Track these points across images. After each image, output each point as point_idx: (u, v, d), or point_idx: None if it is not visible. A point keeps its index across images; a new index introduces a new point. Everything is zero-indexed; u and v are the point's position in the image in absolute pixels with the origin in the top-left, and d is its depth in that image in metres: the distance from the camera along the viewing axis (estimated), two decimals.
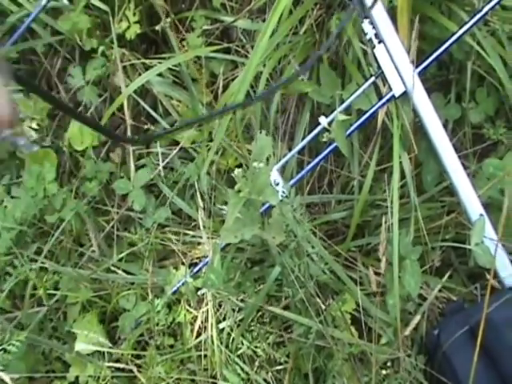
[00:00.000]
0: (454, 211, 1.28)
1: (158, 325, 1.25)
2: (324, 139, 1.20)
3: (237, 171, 1.02)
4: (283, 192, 1.17)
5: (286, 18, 1.28)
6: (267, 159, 1.09)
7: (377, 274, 1.21)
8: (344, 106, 1.20)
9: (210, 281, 1.12)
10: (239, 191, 1.05)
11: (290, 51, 1.35)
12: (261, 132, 1.09)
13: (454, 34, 1.16)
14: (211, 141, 1.30)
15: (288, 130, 1.40)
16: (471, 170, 1.32)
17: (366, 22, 1.19)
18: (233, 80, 1.38)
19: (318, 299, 1.14)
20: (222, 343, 1.23)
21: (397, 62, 1.17)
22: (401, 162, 1.22)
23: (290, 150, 1.35)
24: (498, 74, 1.24)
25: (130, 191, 1.37)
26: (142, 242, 1.33)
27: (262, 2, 1.38)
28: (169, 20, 1.41)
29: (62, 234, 1.30)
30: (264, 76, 1.30)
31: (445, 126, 1.35)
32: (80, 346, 1.22)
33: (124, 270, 1.33)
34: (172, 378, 1.22)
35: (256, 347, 1.25)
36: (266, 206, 1.18)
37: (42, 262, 1.26)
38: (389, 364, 1.18)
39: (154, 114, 1.43)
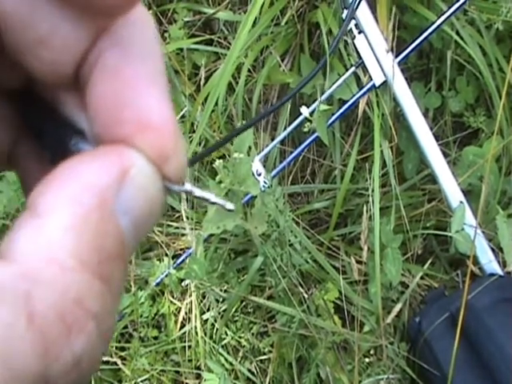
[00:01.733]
0: (435, 199, 1.29)
1: (141, 316, 1.25)
2: (306, 129, 1.20)
3: (218, 162, 1.02)
4: (265, 182, 1.17)
5: (267, 8, 1.28)
6: (248, 150, 1.09)
7: (359, 262, 1.22)
8: (325, 96, 1.20)
9: (193, 272, 1.13)
10: (220, 182, 1.05)
11: (272, 42, 1.35)
12: (242, 123, 1.10)
13: (432, 23, 1.16)
14: (194, 132, 1.30)
15: (270, 120, 1.40)
16: (452, 158, 1.33)
17: (345, 12, 1.19)
18: (215, 71, 1.38)
19: (300, 288, 1.15)
20: (205, 334, 1.23)
21: (377, 51, 1.18)
22: (382, 151, 1.23)
23: (272, 140, 1.35)
24: (477, 63, 1.25)
25: None
26: None
27: None
28: (151, 12, 1.41)
29: None
30: (245, 67, 1.30)
31: (425, 114, 1.36)
32: None
33: None
34: (156, 369, 1.23)
35: (240, 337, 1.26)
36: (249, 196, 1.18)
37: None
38: (372, 352, 1.19)
39: None
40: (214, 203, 0.25)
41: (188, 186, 0.23)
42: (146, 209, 0.21)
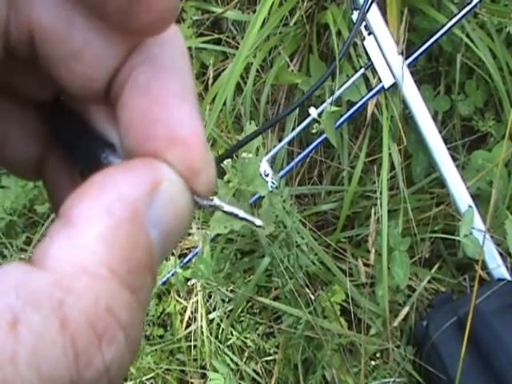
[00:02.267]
0: (443, 202, 1.28)
1: (147, 315, 1.25)
2: (314, 130, 1.20)
3: (226, 162, 1.02)
4: (273, 183, 1.17)
5: (276, 9, 1.27)
6: (256, 150, 1.09)
7: (366, 265, 1.22)
8: (334, 97, 1.20)
9: (199, 271, 1.12)
10: (228, 181, 1.05)
11: (281, 42, 1.35)
12: (250, 123, 1.09)
13: (443, 26, 1.16)
14: None
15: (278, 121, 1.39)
16: (460, 162, 1.33)
17: (355, 13, 1.19)
18: (223, 71, 1.38)
19: (307, 290, 1.14)
20: (211, 334, 1.23)
21: (386, 53, 1.17)
22: (390, 154, 1.22)
23: (280, 140, 1.35)
24: (487, 67, 1.25)
25: None
26: None
27: None
28: None
29: (52, 223, 1.30)
30: (254, 67, 1.29)
31: (434, 117, 1.35)
32: None
33: None
34: (161, 368, 1.22)
35: (246, 338, 1.26)
36: (256, 196, 1.18)
37: (32, 252, 1.25)
38: (378, 355, 1.19)
39: None
40: (242, 219, 0.25)
41: (217, 201, 0.23)
42: (176, 222, 0.21)
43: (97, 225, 0.19)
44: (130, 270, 0.19)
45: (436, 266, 1.24)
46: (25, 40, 0.22)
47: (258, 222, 0.25)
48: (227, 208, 0.24)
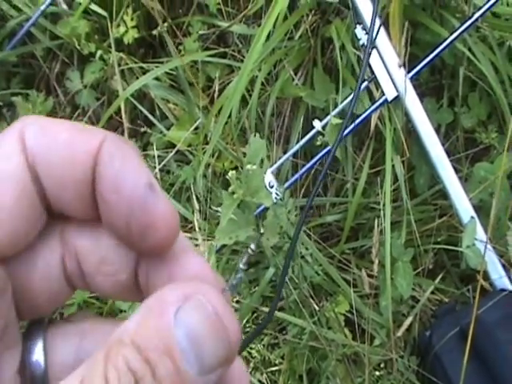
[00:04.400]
0: (446, 214, 1.29)
1: None
2: (318, 143, 1.21)
3: (231, 173, 1.03)
4: (277, 194, 1.18)
5: (281, 23, 1.29)
6: (261, 162, 1.11)
7: (370, 275, 1.23)
8: (337, 110, 1.22)
9: None
10: (233, 193, 1.06)
11: (286, 56, 1.37)
12: (255, 135, 1.11)
13: (444, 40, 1.18)
14: (207, 144, 1.32)
15: (283, 133, 1.41)
16: (464, 174, 1.34)
17: (359, 27, 1.21)
18: (229, 84, 1.40)
19: (311, 300, 1.15)
20: None
21: (389, 67, 1.19)
22: (394, 166, 1.24)
23: (285, 152, 1.36)
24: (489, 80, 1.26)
25: None
26: None
27: (258, 6, 1.40)
28: (166, 25, 1.43)
29: None
30: (259, 80, 1.31)
31: (438, 130, 1.37)
32: None
33: None
34: None
35: (251, 348, 1.26)
36: (261, 208, 1.19)
37: None
38: (382, 365, 1.20)
39: (151, 117, 1.45)
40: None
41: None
42: (204, 327, 0.25)
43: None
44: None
45: (439, 277, 1.25)
46: (75, 267, 0.30)
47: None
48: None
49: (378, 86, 1.22)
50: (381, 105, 1.21)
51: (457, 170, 1.31)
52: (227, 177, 1.05)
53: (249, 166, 1.04)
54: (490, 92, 1.32)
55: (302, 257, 1.15)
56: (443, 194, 1.28)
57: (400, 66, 1.17)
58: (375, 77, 1.20)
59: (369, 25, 1.19)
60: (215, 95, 1.39)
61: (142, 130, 1.43)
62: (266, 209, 1.17)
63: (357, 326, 1.19)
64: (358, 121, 1.22)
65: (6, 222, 0.26)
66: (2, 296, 0.27)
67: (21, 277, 0.29)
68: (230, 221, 1.07)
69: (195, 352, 0.24)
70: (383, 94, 1.20)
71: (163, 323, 0.24)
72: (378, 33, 1.15)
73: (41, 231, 0.29)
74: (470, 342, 1.02)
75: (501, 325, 1.08)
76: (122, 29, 1.42)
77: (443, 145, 1.23)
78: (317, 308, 1.16)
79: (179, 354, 0.24)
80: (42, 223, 0.29)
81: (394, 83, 1.19)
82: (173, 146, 1.40)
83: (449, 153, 1.34)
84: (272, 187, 1.22)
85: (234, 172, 1.03)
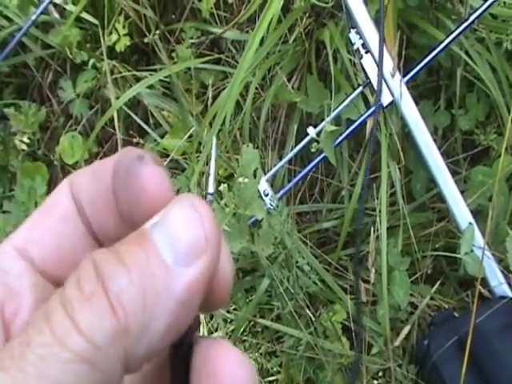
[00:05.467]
0: (444, 218, 1.28)
1: None
2: (313, 149, 1.20)
3: (223, 187, 1.02)
4: (271, 203, 1.17)
5: (275, 26, 1.28)
6: (254, 172, 1.09)
7: (367, 282, 1.21)
8: (332, 116, 1.20)
9: None
10: (226, 205, 1.05)
11: (280, 60, 1.35)
12: (247, 145, 1.09)
13: (440, 43, 1.16)
14: (201, 152, 1.31)
15: (278, 139, 1.40)
16: (462, 176, 1.32)
17: (353, 32, 1.19)
18: (223, 90, 1.39)
19: (307, 311, 1.14)
20: None
21: (384, 71, 1.17)
22: (390, 171, 1.22)
23: (280, 158, 1.35)
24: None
25: None
26: None
27: (252, 11, 1.38)
28: (158, 32, 1.41)
29: None
30: (253, 85, 1.30)
31: (435, 131, 1.35)
32: None
33: None
34: None
35: (249, 357, 1.26)
36: (255, 218, 1.18)
37: None
38: (380, 374, 1.19)
39: (144, 126, 1.44)
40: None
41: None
42: None
43: None
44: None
45: (438, 283, 1.23)
46: None
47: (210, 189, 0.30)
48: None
49: (373, 90, 1.20)
50: (376, 110, 1.19)
51: (455, 172, 1.29)
52: (220, 189, 1.04)
53: (241, 179, 1.03)
54: (488, 93, 1.30)
55: (298, 266, 1.14)
56: (441, 197, 1.26)
57: (393, 75, 1.15)
58: (370, 82, 1.19)
59: (363, 29, 1.18)
60: (209, 102, 1.38)
61: (135, 140, 1.42)
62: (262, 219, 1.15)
63: (354, 335, 1.18)
64: (352, 127, 1.20)
65: (49, 240, 0.29)
66: None
67: None
68: (223, 232, 1.06)
69: (166, 237, 0.24)
70: (378, 100, 1.18)
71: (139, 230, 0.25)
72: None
73: None
74: (467, 352, 1.01)
75: (500, 333, 1.06)
76: (114, 37, 1.40)
77: (441, 147, 1.21)
78: (313, 318, 1.15)
79: (148, 239, 0.24)
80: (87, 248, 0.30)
81: (389, 88, 1.18)
82: (167, 154, 1.39)
83: (447, 154, 1.33)
84: (267, 195, 1.21)
85: (225, 185, 1.02)
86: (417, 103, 1.21)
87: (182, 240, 0.24)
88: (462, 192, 1.19)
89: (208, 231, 0.24)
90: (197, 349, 0.27)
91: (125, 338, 0.22)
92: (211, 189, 0.27)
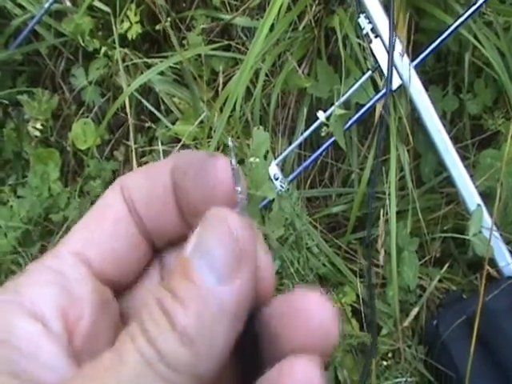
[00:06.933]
0: (453, 201, 1.29)
1: None
2: (323, 133, 1.21)
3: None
4: (282, 186, 1.18)
5: (285, 14, 1.29)
6: (266, 153, 1.11)
7: (377, 265, 1.23)
8: (341, 100, 1.21)
9: None
10: None
11: (290, 47, 1.36)
12: (258, 128, 1.11)
13: (448, 27, 1.16)
14: (211, 137, 1.32)
15: (288, 125, 1.41)
16: (471, 161, 1.33)
17: (362, 17, 1.20)
18: (234, 76, 1.40)
19: None
20: None
21: (393, 55, 1.18)
22: (399, 155, 1.23)
23: (290, 144, 1.36)
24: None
25: None
26: None
27: None
28: (169, 19, 1.43)
29: (66, 232, 1.32)
30: (263, 72, 1.31)
31: (444, 116, 1.36)
32: None
33: None
34: None
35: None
36: (267, 200, 1.19)
37: None
38: (390, 355, 1.20)
39: (156, 112, 1.45)
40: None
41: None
42: None
43: None
44: None
45: (447, 265, 1.24)
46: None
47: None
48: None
49: (382, 74, 1.21)
50: (385, 94, 1.20)
51: (464, 157, 1.30)
52: None
53: (252, 159, 1.04)
54: (496, 77, 1.31)
55: (308, 248, 1.15)
56: (450, 182, 1.27)
57: (403, 55, 1.16)
58: (379, 66, 1.20)
59: (372, 14, 1.19)
60: (219, 88, 1.39)
61: (147, 125, 1.44)
62: (272, 201, 1.17)
63: (364, 317, 1.19)
64: (361, 111, 1.21)
65: (105, 243, 0.31)
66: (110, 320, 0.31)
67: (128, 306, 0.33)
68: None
69: (206, 261, 0.25)
70: (389, 83, 1.19)
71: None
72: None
73: (146, 269, 0.33)
74: (476, 330, 1.02)
75: (508, 312, 1.07)
76: (126, 24, 1.42)
77: (449, 132, 1.22)
78: None
79: (191, 268, 0.25)
80: (145, 255, 0.32)
81: (398, 72, 1.19)
82: (178, 140, 1.40)
83: (456, 140, 1.33)
84: (277, 179, 1.22)
85: (238, 166, 1.03)
86: (426, 89, 1.22)
87: (220, 261, 0.25)
88: (470, 176, 1.19)
89: (242, 244, 0.26)
90: (268, 309, 0.29)
91: (196, 360, 0.24)
92: (242, 192, 0.28)
